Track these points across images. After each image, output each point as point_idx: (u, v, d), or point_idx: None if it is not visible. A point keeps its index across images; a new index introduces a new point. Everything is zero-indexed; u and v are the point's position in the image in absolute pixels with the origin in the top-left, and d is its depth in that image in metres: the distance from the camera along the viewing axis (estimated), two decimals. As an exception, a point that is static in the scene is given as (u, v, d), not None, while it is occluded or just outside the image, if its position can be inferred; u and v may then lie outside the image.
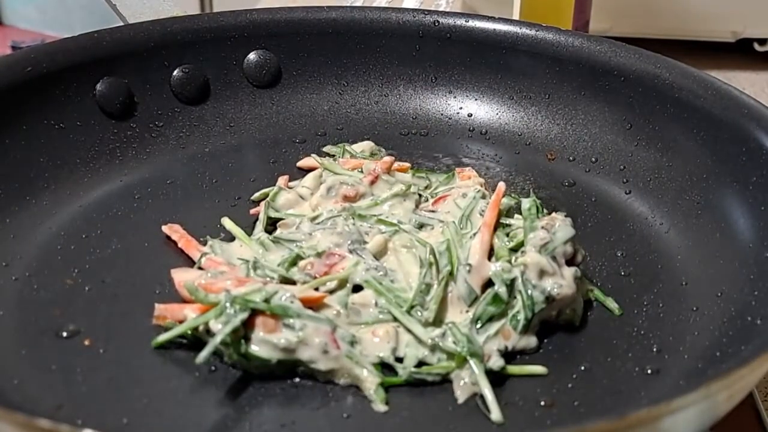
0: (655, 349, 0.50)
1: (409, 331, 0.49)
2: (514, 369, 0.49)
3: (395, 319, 0.50)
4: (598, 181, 0.66)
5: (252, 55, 0.73)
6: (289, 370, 0.48)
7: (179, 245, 0.57)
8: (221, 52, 0.72)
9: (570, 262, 0.53)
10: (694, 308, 0.53)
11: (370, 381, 0.47)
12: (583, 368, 0.49)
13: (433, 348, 0.48)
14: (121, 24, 0.72)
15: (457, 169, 0.65)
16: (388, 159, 0.65)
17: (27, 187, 0.61)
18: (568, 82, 0.71)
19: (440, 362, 0.48)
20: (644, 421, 0.36)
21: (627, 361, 0.49)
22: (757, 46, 0.97)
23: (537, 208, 0.57)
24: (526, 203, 0.57)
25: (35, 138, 0.63)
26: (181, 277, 0.53)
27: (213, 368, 0.48)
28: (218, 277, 0.51)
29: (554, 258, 0.52)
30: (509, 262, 0.52)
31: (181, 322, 0.49)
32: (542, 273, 0.51)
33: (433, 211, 0.59)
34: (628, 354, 0.50)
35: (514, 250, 0.54)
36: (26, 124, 0.63)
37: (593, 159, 0.68)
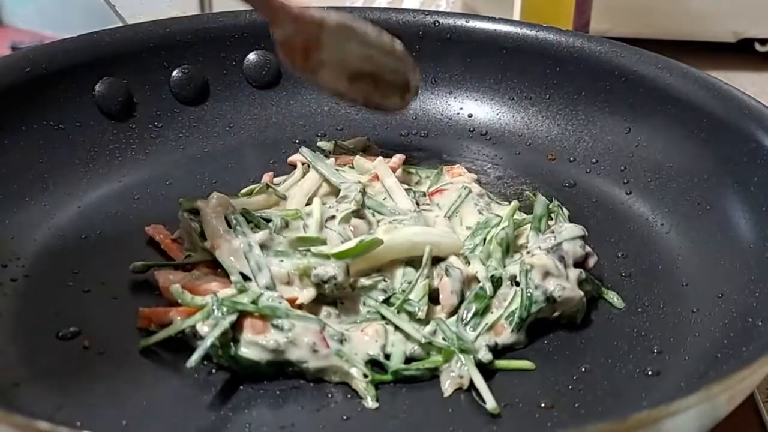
0: (655, 351, 0.50)
1: (400, 330, 0.49)
2: (502, 363, 0.49)
3: (383, 317, 0.50)
4: (598, 182, 0.66)
5: (252, 56, 0.73)
6: (278, 370, 0.47)
7: (162, 246, 0.57)
8: (221, 52, 0.72)
9: (581, 265, 0.53)
10: (695, 309, 0.53)
11: (360, 379, 0.47)
12: (583, 369, 0.49)
13: (425, 345, 0.48)
14: (121, 24, 0.72)
15: (445, 167, 0.65)
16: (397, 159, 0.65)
17: (26, 187, 0.61)
18: (569, 83, 0.71)
19: (429, 357, 0.48)
20: (645, 423, 0.36)
21: (627, 363, 0.49)
22: (758, 47, 0.97)
23: (549, 209, 0.57)
24: (538, 206, 0.58)
25: (34, 139, 0.63)
26: (166, 278, 0.52)
27: (213, 370, 0.48)
28: (202, 278, 0.51)
29: (562, 259, 0.52)
30: (519, 260, 0.52)
31: (168, 325, 0.49)
32: (547, 274, 0.51)
33: (427, 204, 0.59)
34: (629, 355, 0.50)
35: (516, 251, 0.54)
36: (25, 125, 0.63)
37: (594, 160, 0.68)
